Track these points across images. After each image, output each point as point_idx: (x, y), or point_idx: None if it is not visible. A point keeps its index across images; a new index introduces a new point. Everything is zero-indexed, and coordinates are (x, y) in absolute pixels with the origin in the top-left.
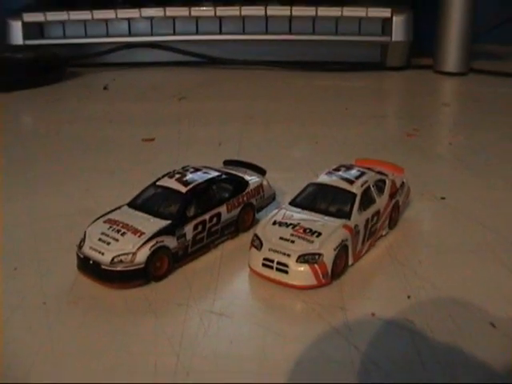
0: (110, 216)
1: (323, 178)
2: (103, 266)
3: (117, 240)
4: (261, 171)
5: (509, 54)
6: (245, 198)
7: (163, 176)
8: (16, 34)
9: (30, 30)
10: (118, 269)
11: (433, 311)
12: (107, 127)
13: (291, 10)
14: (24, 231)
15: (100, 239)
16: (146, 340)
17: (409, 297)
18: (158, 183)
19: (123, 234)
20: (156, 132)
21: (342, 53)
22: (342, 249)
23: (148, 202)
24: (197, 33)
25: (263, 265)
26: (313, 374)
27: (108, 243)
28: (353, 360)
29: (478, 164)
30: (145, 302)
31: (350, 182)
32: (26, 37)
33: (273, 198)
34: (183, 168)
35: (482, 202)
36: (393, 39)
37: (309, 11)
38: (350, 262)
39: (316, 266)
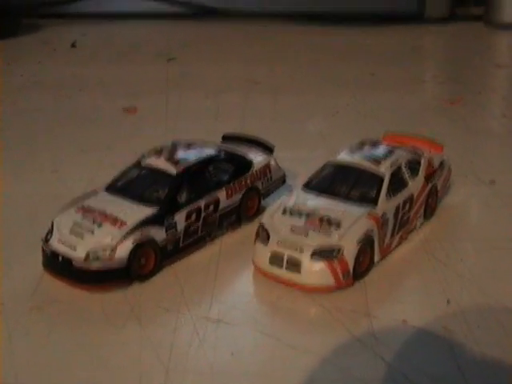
0: (83, 202)
1: (344, 157)
2: (75, 264)
3: (92, 232)
4: (268, 148)
5: None
6: (248, 181)
7: (149, 154)
8: None
9: None
10: (94, 267)
11: (478, 319)
12: (78, 95)
13: None
14: None
15: (71, 231)
16: (129, 352)
17: (448, 301)
18: (142, 163)
19: (100, 225)
20: (139, 101)
21: (367, 1)
22: (367, 242)
23: (130, 185)
24: None
25: (271, 261)
26: None
27: (81, 236)
28: (380, 376)
29: None
30: (127, 307)
31: (377, 161)
32: None
33: (282, 180)
34: (172, 144)
35: None
36: None
37: None
38: (376, 259)
39: (335, 263)
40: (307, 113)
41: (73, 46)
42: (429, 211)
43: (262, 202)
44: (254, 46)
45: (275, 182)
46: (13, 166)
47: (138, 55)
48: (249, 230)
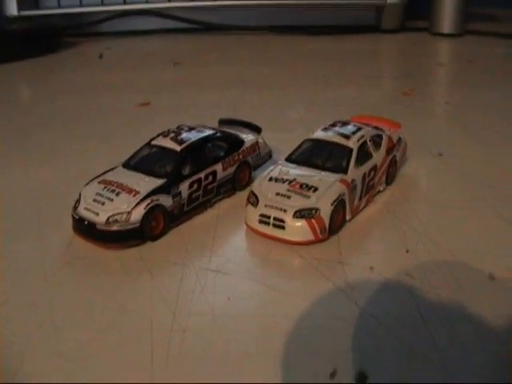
0: (104, 177)
1: (319, 134)
2: (98, 226)
3: (111, 200)
4: (256, 129)
5: (503, 17)
6: (240, 156)
7: (157, 135)
8: (11, 4)
9: (26, 1)
10: (114, 228)
11: (432, 266)
12: (103, 95)
13: None
14: (23, 196)
15: (95, 200)
16: (142, 298)
17: (407, 251)
18: (152, 143)
19: (118, 194)
20: (152, 97)
21: (337, 16)
22: (340, 203)
23: (142, 161)
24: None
25: (260, 221)
26: (314, 330)
27: (103, 203)
28: (353, 316)
29: (474, 122)
30: (141, 262)
31: (347, 136)
32: (20, 7)
33: (269, 155)
34: (178, 127)
35: (479, 159)
36: (387, 1)
37: None
38: (347, 217)
39: (313, 220)
40: (288, 103)
41: (100, 57)
42: (390, 178)
43: (253, 174)
44: (246, 53)
45: (263, 157)
46: (53, 150)
47: (150, 62)
48: (242, 197)
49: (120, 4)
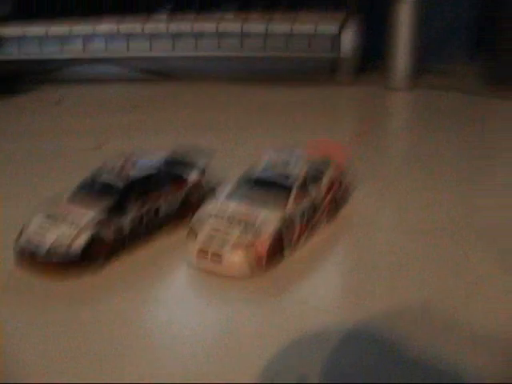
0: (47, 210)
1: (261, 172)
2: (39, 258)
3: (52, 232)
4: (206, 155)
5: (454, 70)
6: (183, 192)
7: (102, 167)
8: None
9: None
10: (54, 260)
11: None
12: (56, 139)
13: (242, 28)
14: None
15: (36, 232)
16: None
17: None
18: (96, 178)
19: (59, 225)
20: (106, 141)
21: (293, 68)
22: (277, 237)
23: (87, 195)
24: (150, 49)
25: (198, 256)
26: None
27: (43, 235)
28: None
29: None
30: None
31: (286, 176)
32: None
33: (213, 192)
34: (126, 158)
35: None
36: (341, 55)
37: (260, 28)
38: (285, 253)
39: (249, 254)
40: (239, 144)
41: (57, 103)
42: (331, 215)
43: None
44: (201, 100)
45: (206, 193)
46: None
47: (107, 108)
48: (183, 232)
49: (79, 52)
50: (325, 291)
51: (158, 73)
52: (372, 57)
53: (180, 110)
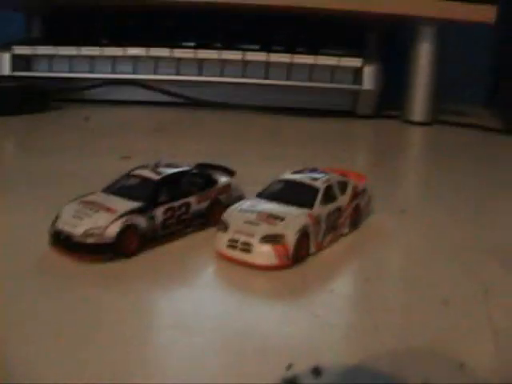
0: (84, 198)
1: (288, 175)
2: (75, 239)
3: (90, 216)
4: (230, 172)
5: (469, 111)
6: (213, 194)
7: (136, 168)
8: (4, 64)
9: (19, 62)
10: (89, 241)
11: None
12: (83, 156)
13: (268, 56)
14: None
15: (73, 216)
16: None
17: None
18: (131, 173)
19: (96, 212)
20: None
21: (315, 100)
22: (304, 234)
23: (122, 188)
24: (178, 73)
25: (228, 246)
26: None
27: (81, 218)
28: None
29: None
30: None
31: (314, 179)
32: (14, 68)
33: (241, 198)
34: (156, 163)
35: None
36: (362, 87)
37: (285, 58)
38: (311, 250)
39: (279, 246)
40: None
41: (86, 119)
42: (353, 224)
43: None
44: (225, 128)
45: (235, 198)
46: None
47: (132, 128)
48: (213, 232)
49: (108, 73)
50: (344, 281)
51: (183, 97)
52: (392, 92)
53: (203, 135)
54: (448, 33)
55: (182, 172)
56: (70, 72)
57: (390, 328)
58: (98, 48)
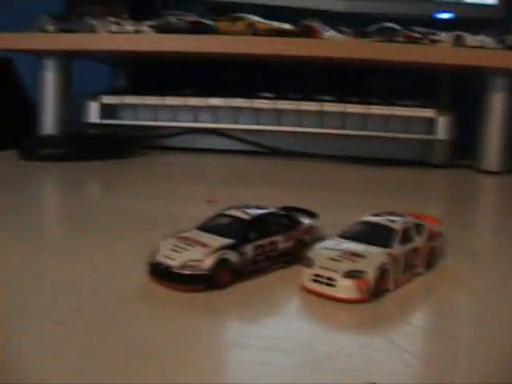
0: (180, 234)
1: (368, 218)
2: (173, 270)
3: (187, 250)
4: (313, 215)
5: None
6: (299, 233)
7: (228, 208)
8: (93, 113)
9: (106, 111)
10: (186, 273)
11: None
12: (167, 201)
13: (345, 108)
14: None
15: (172, 249)
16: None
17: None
18: (224, 213)
19: (192, 246)
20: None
21: (390, 150)
22: (383, 270)
23: (214, 226)
24: (257, 123)
25: (314, 280)
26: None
27: (179, 252)
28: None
29: None
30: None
31: (393, 221)
32: (102, 116)
33: (323, 239)
34: (246, 205)
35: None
36: (437, 137)
37: (361, 109)
38: (390, 286)
39: (360, 281)
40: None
41: (168, 165)
42: (430, 264)
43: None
44: (306, 178)
45: (317, 238)
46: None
47: (213, 175)
48: (298, 269)
49: (190, 121)
50: (427, 315)
51: (262, 146)
52: (466, 142)
53: (281, 183)
54: None
55: (269, 213)
56: (154, 120)
57: (459, 357)
58: (181, 98)
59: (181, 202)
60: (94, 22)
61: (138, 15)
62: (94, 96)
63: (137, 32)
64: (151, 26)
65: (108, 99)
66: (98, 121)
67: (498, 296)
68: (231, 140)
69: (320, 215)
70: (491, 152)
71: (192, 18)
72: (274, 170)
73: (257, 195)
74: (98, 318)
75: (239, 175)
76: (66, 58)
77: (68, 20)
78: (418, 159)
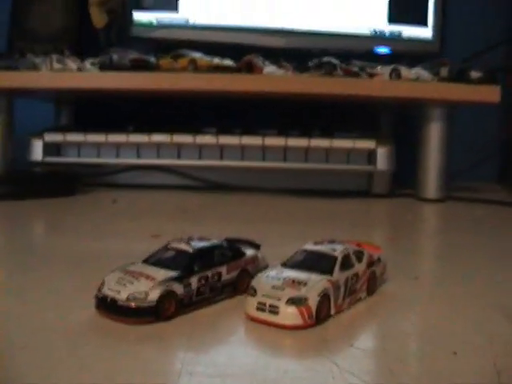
0: (126, 268)
1: (310, 246)
2: (119, 303)
3: (132, 283)
4: (256, 246)
5: (483, 187)
6: (242, 264)
7: (172, 241)
8: (37, 151)
9: (50, 148)
10: (132, 305)
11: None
12: (110, 237)
13: (286, 141)
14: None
15: (117, 282)
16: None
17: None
18: (168, 246)
19: (138, 279)
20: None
21: (332, 181)
22: (325, 297)
23: (159, 259)
24: (200, 158)
25: (257, 308)
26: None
27: (124, 285)
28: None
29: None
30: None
31: (333, 249)
32: (45, 154)
33: (266, 268)
34: (189, 237)
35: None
36: (377, 168)
37: (302, 142)
38: (332, 312)
39: (303, 308)
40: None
41: (114, 202)
42: (370, 289)
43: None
44: (247, 211)
45: (261, 268)
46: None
47: (158, 211)
48: (242, 299)
49: (134, 158)
50: (369, 338)
51: (205, 181)
52: (405, 171)
53: (225, 216)
54: (458, 111)
55: (213, 245)
56: (98, 157)
57: (404, 373)
58: (123, 135)
59: (126, 238)
60: (37, 60)
61: (81, 52)
62: (37, 134)
63: (79, 70)
64: (94, 64)
65: (51, 137)
66: (41, 159)
67: (438, 317)
68: (175, 175)
69: (264, 246)
70: (430, 180)
71: (134, 55)
72: (217, 204)
73: (201, 229)
74: (43, 353)
75: (184, 210)
76: (9, 96)
77: (10, 57)
78: (360, 189)
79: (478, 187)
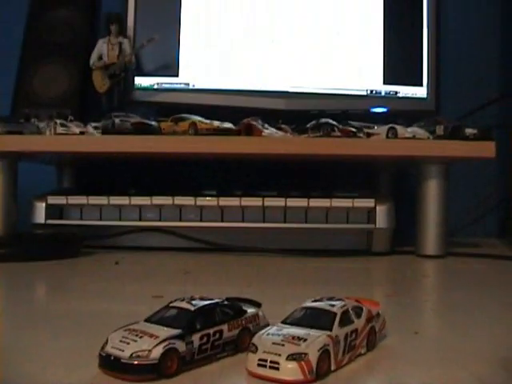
0: (129, 327)
1: (309, 304)
2: (122, 361)
3: (135, 341)
4: (256, 304)
5: (484, 242)
6: (243, 322)
7: (174, 300)
8: (40, 213)
9: (52, 211)
10: (135, 363)
11: None
12: (113, 299)
13: (286, 202)
14: None
15: (121, 341)
16: None
17: None
18: (170, 305)
19: (140, 337)
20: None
21: (332, 240)
22: (325, 352)
23: (162, 318)
24: (201, 220)
25: (258, 365)
26: None
27: (128, 343)
28: None
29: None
30: None
31: (332, 305)
32: (47, 217)
33: (267, 326)
34: (190, 297)
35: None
36: (376, 226)
37: (301, 202)
38: (332, 367)
39: (303, 363)
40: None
41: (116, 263)
42: (370, 344)
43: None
44: (248, 272)
45: (262, 327)
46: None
47: (161, 272)
48: (243, 357)
49: (136, 220)
50: None
51: (206, 242)
52: (405, 228)
53: (226, 277)
54: (456, 168)
55: (214, 303)
56: (100, 220)
57: None
58: (125, 197)
59: (129, 299)
60: (41, 124)
61: (83, 116)
62: (40, 196)
63: (82, 133)
64: (96, 128)
65: (53, 199)
66: (44, 221)
67: (438, 371)
68: (176, 238)
69: (264, 305)
70: (429, 237)
71: (136, 119)
72: (218, 265)
73: (203, 290)
74: None
75: (185, 271)
76: (13, 159)
77: (15, 122)
78: (360, 248)
79: (477, 242)
